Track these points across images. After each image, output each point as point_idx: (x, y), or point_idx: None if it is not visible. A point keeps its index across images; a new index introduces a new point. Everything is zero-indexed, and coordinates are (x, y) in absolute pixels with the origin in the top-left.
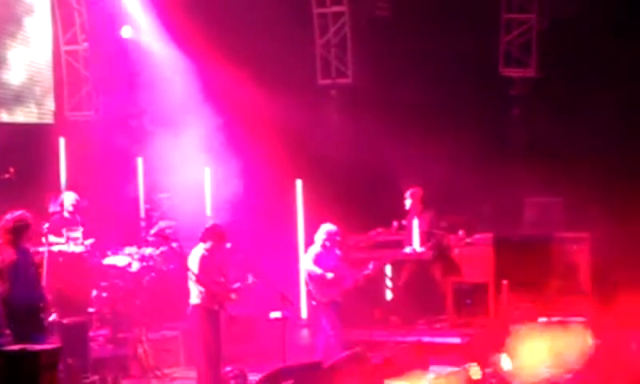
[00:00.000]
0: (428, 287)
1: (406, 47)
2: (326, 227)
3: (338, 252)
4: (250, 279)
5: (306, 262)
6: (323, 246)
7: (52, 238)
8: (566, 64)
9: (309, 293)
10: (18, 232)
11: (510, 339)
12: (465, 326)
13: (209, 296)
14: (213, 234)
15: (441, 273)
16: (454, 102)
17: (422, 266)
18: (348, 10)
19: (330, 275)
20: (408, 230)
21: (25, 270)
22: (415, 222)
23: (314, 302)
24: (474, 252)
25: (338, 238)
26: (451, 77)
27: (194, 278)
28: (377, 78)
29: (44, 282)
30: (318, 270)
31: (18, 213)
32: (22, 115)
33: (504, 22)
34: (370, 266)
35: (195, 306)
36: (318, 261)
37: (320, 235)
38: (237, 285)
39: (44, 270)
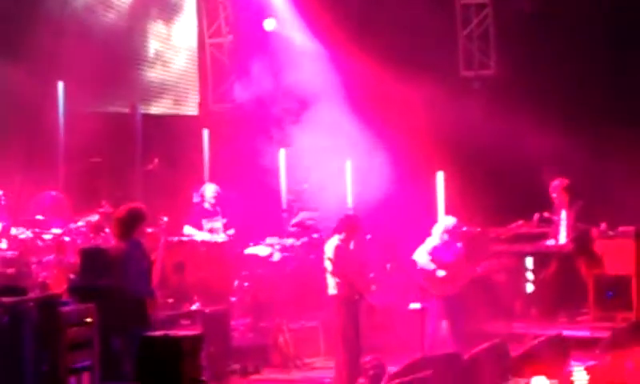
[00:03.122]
0: (570, 280)
1: (548, 38)
2: (446, 221)
3: (459, 245)
4: (389, 268)
5: (420, 255)
6: (442, 239)
7: (192, 230)
8: None
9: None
10: (131, 224)
11: None
12: (607, 319)
13: (346, 286)
14: (347, 225)
15: (583, 266)
16: (597, 92)
17: (563, 258)
18: (491, 1)
19: (441, 273)
20: (555, 222)
21: (136, 263)
22: (563, 214)
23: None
24: (617, 244)
25: (465, 229)
26: (594, 67)
27: (330, 268)
28: (520, 69)
29: (157, 277)
30: (431, 266)
31: (133, 205)
32: (167, 108)
33: None
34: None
35: (333, 297)
36: (434, 254)
37: (439, 229)
38: (372, 275)
39: (158, 265)
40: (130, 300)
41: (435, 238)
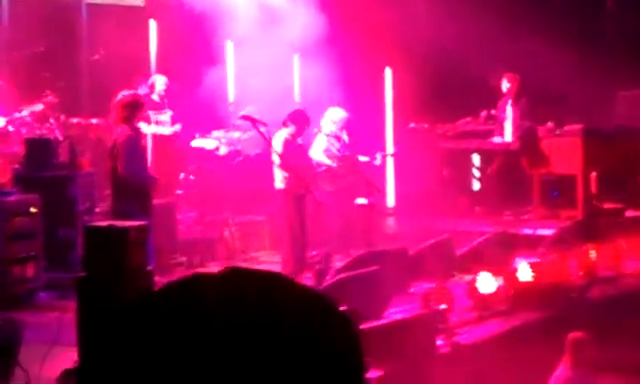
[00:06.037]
0: (515, 178)
1: None
2: (332, 113)
3: (345, 137)
4: (336, 164)
5: (315, 152)
6: (330, 131)
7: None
8: None
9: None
10: (134, 109)
11: (597, 231)
12: (551, 217)
13: (293, 180)
14: (296, 118)
15: (529, 164)
16: None
17: (509, 156)
18: None
19: (335, 164)
20: (500, 119)
21: (137, 148)
22: (509, 112)
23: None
24: (563, 143)
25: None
26: None
27: (278, 161)
28: None
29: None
30: (327, 161)
31: (132, 91)
32: None
33: None
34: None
35: (280, 191)
36: (327, 148)
37: (326, 121)
38: (322, 168)
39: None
40: (133, 186)
41: (325, 130)
